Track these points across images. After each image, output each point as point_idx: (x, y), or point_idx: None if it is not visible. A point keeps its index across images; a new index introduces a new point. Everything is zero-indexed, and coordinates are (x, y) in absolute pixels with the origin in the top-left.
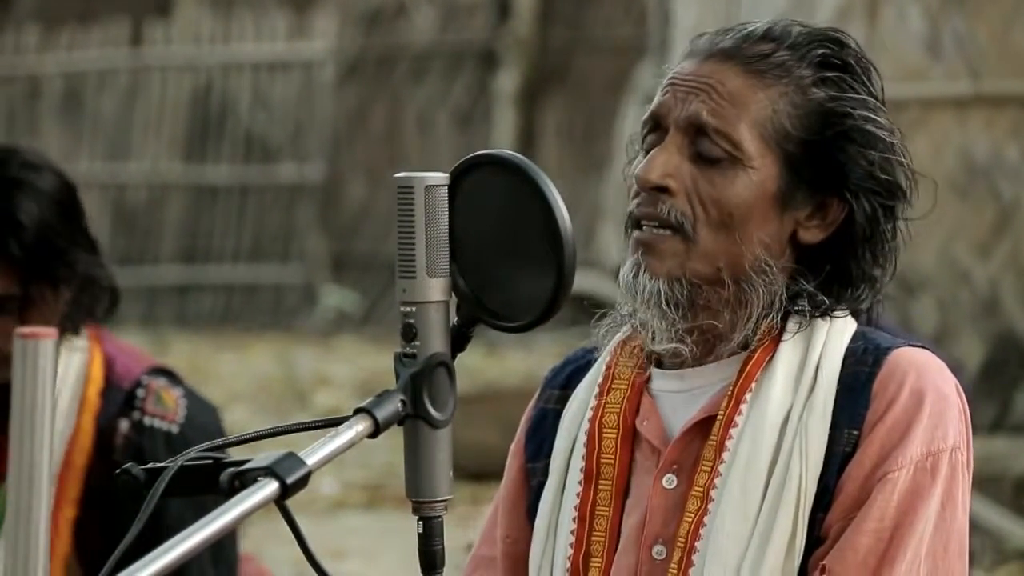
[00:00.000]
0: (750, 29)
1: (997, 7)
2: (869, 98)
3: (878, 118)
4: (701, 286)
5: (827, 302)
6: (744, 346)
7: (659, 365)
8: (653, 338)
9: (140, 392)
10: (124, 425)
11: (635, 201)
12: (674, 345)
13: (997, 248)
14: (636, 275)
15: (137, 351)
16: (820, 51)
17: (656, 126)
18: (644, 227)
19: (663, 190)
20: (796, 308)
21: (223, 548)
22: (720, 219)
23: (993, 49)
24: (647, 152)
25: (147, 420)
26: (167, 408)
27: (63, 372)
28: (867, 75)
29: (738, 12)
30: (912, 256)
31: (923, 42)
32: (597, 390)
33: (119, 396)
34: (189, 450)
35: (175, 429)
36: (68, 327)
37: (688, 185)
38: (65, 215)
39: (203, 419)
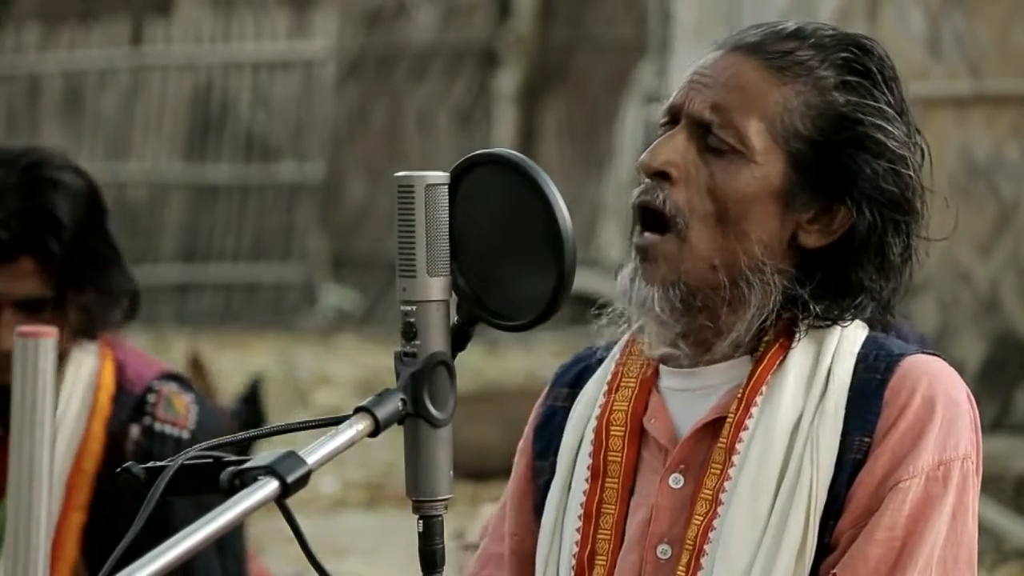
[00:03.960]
0: (780, 27)
1: (997, 7)
2: (887, 108)
3: (892, 129)
4: (697, 289)
5: (819, 311)
6: (738, 346)
7: (666, 363)
8: (649, 342)
9: (151, 398)
10: (135, 431)
11: (638, 189)
12: (667, 350)
13: (997, 248)
14: (633, 280)
15: (148, 356)
16: (843, 55)
17: (673, 118)
18: (644, 231)
19: (664, 176)
20: (793, 315)
21: (229, 544)
22: (716, 212)
23: (993, 49)
24: None
25: (158, 426)
26: (178, 414)
27: (74, 377)
28: (889, 85)
29: (739, 11)
30: None
31: (923, 42)
32: (606, 387)
33: (130, 401)
34: (188, 449)
35: (186, 435)
36: (88, 332)
37: (690, 173)
38: (96, 216)
39: (214, 425)
